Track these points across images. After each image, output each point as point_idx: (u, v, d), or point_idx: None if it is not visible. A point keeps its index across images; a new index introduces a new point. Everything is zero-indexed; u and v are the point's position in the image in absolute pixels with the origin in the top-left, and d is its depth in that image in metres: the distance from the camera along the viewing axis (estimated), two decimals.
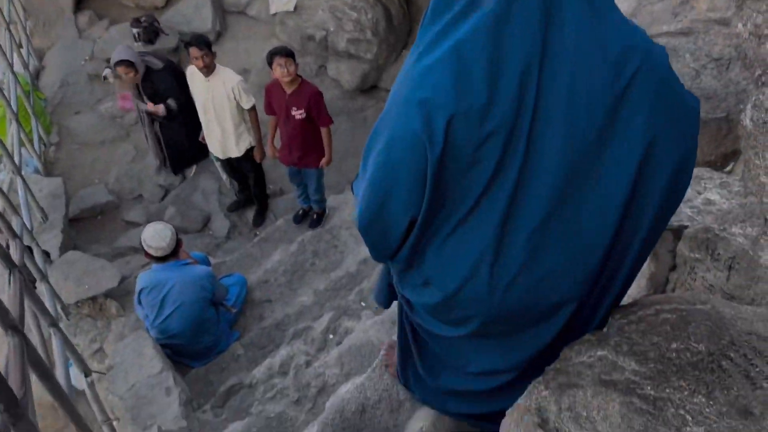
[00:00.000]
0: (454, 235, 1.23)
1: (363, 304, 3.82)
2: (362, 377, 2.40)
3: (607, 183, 1.14)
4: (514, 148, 1.11)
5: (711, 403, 1.21)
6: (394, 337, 2.50)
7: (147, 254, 3.71)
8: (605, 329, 1.61)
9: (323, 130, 4.44)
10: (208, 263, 4.36)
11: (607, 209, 1.17)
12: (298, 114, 4.29)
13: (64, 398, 2.31)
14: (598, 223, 1.18)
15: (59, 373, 2.78)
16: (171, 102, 5.16)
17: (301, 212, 5.22)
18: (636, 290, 2.24)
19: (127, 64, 4.84)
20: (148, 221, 5.88)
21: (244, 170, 5.21)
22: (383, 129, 1.18)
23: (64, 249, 5.20)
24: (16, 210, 3.87)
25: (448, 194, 1.18)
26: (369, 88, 6.60)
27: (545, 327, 1.39)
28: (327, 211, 5.12)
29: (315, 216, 5.09)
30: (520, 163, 1.12)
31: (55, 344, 2.99)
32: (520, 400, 1.53)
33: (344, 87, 6.59)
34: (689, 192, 1.99)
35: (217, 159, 5.21)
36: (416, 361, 1.80)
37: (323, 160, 4.65)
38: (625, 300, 1.56)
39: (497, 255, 1.22)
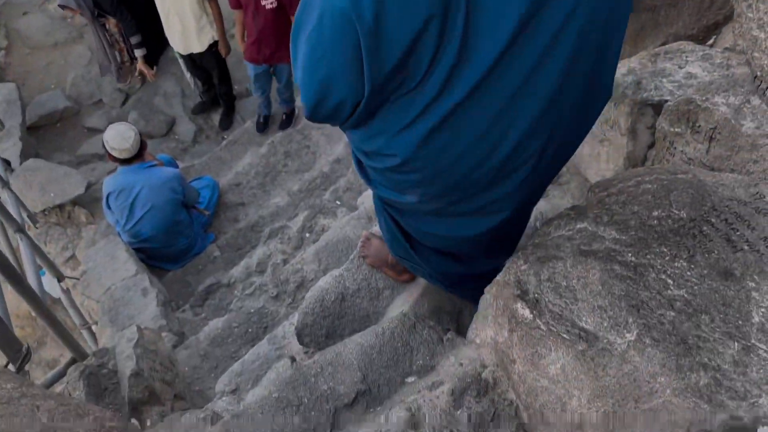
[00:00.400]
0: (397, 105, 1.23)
1: (338, 202, 3.79)
2: (341, 269, 2.39)
3: (539, 47, 1.13)
4: (450, 30, 1.08)
5: (692, 266, 1.21)
6: (372, 230, 2.48)
7: (111, 157, 3.58)
8: (583, 203, 1.60)
9: None
10: (175, 165, 4.25)
11: (546, 74, 1.16)
12: (268, 3, 4.01)
13: (38, 303, 2.27)
14: (533, 90, 1.18)
15: (31, 279, 2.72)
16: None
17: (262, 120, 5.02)
18: (613, 171, 2.23)
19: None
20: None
21: (208, 67, 4.98)
22: (313, 6, 1.14)
23: (24, 157, 5.02)
24: None
25: (391, 75, 1.15)
26: None
27: (495, 191, 1.38)
28: (296, 110, 4.97)
29: (284, 116, 4.93)
30: (458, 43, 1.10)
31: (24, 250, 2.92)
32: (499, 276, 1.53)
33: None
34: (669, 65, 1.93)
35: (180, 55, 4.95)
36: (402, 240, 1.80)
37: None
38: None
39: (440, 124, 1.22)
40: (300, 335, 2.24)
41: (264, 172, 4.53)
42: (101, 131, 5.66)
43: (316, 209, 3.68)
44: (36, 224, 4.17)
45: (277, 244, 3.53)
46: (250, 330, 2.82)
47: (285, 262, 3.44)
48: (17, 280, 2.20)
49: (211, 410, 2.02)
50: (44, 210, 4.43)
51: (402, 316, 1.99)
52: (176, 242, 3.85)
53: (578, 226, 1.45)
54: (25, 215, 3.97)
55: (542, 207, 2.46)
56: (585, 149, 2.43)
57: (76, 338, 2.50)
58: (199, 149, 5.37)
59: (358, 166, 1.56)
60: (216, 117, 5.55)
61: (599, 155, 2.35)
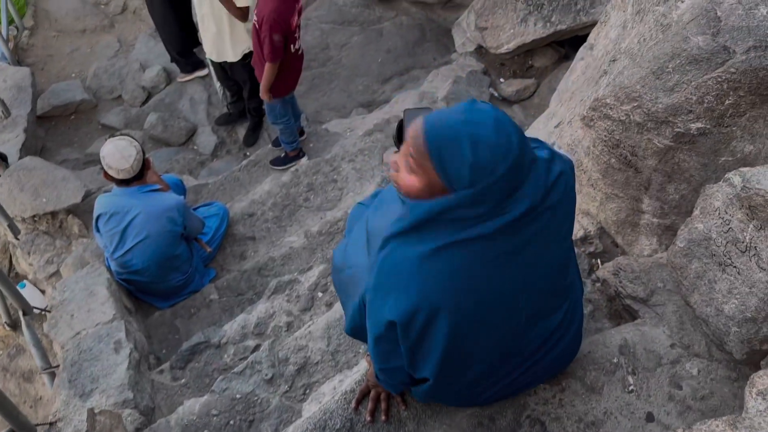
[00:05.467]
0: None
1: None
2: (351, 379, 1.84)
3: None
4: None
5: None
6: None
7: (106, 175, 3.08)
8: None
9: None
10: (182, 190, 3.73)
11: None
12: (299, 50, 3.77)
13: None
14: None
15: None
16: None
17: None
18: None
19: None
20: (127, 126, 5.24)
21: (239, 79, 4.49)
22: (389, 297, 1.35)
23: (26, 151, 4.56)
24: None
25: None
26: None
27: None
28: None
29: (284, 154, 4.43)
30: None
31: None
32: None
33: None
34: None
35: (211, 62, 4.47)
36: None
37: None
38: None
39: None
40: None
41: (282, 204, 3.99)
42: (117, 130, 5.23)
43: None
44: (18, 236, 3.68)
45: (282, 302, 2.99)
46: (231, 422, 2.27)
47: (289, 326, 2.89)
48: None
49: None
50: (34, 216, 3.95)
51: None
52: (170, 278, 3.32)
53: None
54: (5, 224, 3.49)
55: (629, 335, 1.87)
56: (693, 264, 1.84)
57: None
58: (217, 165, 4.87)
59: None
60: (241, 131, 5.05)
61: (716, 279, 1.76)
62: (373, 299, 1.39)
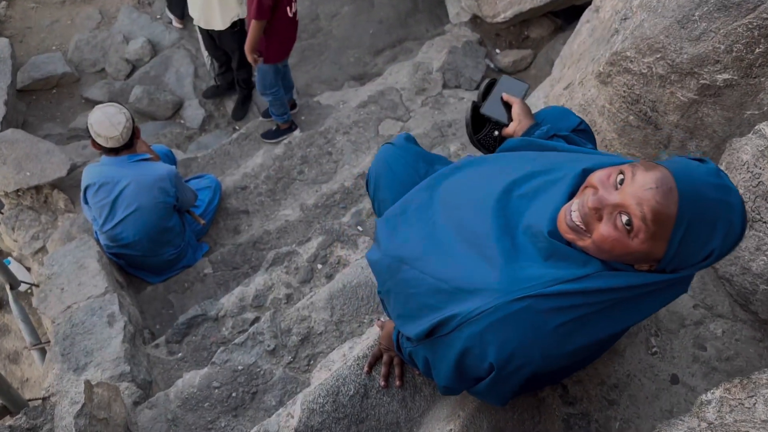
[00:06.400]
0: None
1: (360, 228, 3.15)
2: (362, 344, 1.76)
3: None
4: None
5: None
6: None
7: (95, 144, 2.95)
8: None
9: None
10: (173, 161, 3.61)
11: None
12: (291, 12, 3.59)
13: None
14: None
15: None
16: None
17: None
18: None
19: None
20: (111, 100, 5.06)
21: (228, 49, 4.34)
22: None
23: (7, 124, 4.40)
24: None
25: None
26: None
27: None
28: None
29: (275, 127, 4.33)
30: None
31: None
32: None
33: None
34: None
35: (200, 29, 4.31)
36: None
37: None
38: None
39: None
40: None
41: (276, 177, 3.88)
42: (101, 103, 5.06)
43: (332, 235, 3.04)
44: (1, 210, 3.53)
45: (281, 273, 2.89)
46: (234, 394, 2.18)
47: (288, 299, 2.80)
48: None
49: None
50: (18, 190, 3.80)
51: None
52: (162, 252, 3.21)
53: None
54: None
55: None
56: None
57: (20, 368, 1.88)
58: (205, 139, 4.73)
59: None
60: (230, 104, 4.91)
61: None
62: (481, 343, 1.11)
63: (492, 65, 4.67)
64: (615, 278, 1.04)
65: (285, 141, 4.10)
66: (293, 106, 4.43)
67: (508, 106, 1.48)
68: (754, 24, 1.59)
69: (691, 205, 0.96)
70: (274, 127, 4.31)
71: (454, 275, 1.16)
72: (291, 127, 4.30)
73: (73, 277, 2.81)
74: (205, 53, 4.70)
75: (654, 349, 1.71)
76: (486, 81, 1.51)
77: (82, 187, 3.07)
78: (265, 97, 4.08)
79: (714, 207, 0.97)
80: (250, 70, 4.61)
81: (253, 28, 3.49)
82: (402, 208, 1.36)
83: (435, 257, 1.21)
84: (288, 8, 3.47)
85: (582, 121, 1.47)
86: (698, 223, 0.97)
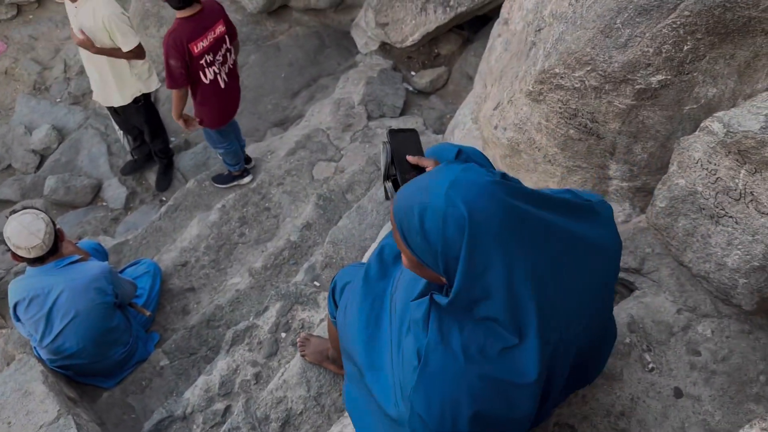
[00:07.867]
0: None
1: (317, 284, 3.02)
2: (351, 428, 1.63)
3: None
4: None
5: None
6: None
7: (15, 256, 2.72)
8: None
9: None
10: (104, 255, 3.38)
11: None
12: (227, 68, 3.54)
13: None
14: None
15: None
16: None
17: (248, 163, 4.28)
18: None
19: None
20: (24, 197, 4.76)
21: (135, 123, 4.16)
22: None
23: None
24: None
25: None
26: (278, 8, 5.50)
27: None
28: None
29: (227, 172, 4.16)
30: None
31: None
32: None
33: (247, 9, 5.46)
34: None
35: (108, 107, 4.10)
36: None
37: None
38: None
39: None
40: None
41: (216, 246, 3.70)
42: (14, 202, 4.74)
43: (290, 299, 2.89)
44: None
45: (244, 352, 2.73)
46: None
47: (258, 377, 2.63)
48: None
49: None
50: None
51: None
52: (111, 353, 2.98)
53: None
54: None
55: (633, 310, 1.76)
56: (680, 222, 1.75)
57: None
58: (133, 218, 4.49)
59: None
60: (152, 176, 4.69)
61: (710, 234, 1.67)
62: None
63: (411, 88, 4.64)
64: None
65: (218, 206, 3.91)
66: (248, 160, 4.23)
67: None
68: (678, 23, 1.58)
69: (397, 212, 1.08)
70: (225, 172, 4.13)
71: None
72: (243, 175, 4.13)
73: (20, 407, 2.55)
74: (117, 128, 4.49)
75: (650, 365, 1.66)
76: (384, 148, 1.38)
77: (11, 305, 2.82)
78: (217, 151, 3.93)
79: (407, 200, 1.06)
80: (166, 138, 4.42)
81: (173, 97, 3.39)
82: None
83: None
84: (202, 75, 3.32)
85: (459, 151, 1.48)
86: (404, 218, 1.05)
